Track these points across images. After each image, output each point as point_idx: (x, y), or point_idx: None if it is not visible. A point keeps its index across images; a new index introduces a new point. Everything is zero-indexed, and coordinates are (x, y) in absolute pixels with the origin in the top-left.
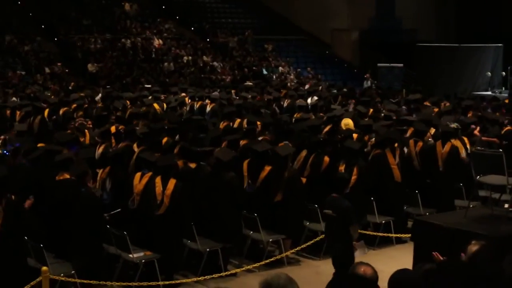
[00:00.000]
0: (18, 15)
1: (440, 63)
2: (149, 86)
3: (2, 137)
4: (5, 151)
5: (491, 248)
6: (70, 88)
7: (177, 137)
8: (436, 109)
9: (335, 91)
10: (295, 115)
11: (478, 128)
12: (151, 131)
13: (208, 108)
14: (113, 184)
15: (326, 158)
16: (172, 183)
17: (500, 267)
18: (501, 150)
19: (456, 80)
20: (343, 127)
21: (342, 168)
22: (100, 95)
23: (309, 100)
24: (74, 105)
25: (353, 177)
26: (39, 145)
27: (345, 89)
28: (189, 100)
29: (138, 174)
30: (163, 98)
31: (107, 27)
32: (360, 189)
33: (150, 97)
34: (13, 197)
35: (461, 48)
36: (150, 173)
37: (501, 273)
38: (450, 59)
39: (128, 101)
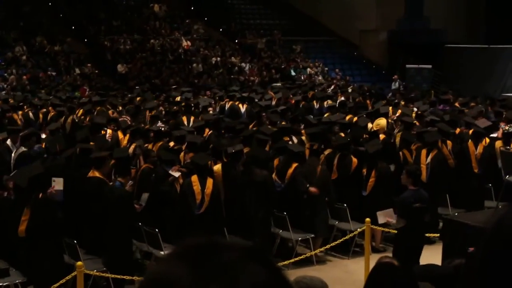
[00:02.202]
0: (49, 16)
1: (468, 64)
2: (175, 86)
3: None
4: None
5: None
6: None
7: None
8: (466, 110)
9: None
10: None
11: None
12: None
13: (243, 109)
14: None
15: (355, 160)
16: (210, 182)
17: None
18: None
19: (485, 81)
20: (374, 128)
21: (364, 170)
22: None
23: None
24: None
25: (371, 179)
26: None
27: (372, 90)
28: (219, 100)
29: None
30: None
31: (136, 28)
32: (380, 191)
33: (178, 98)
34: (40, 195)
35: (490, 49)
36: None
37: None
38: (479, 60)
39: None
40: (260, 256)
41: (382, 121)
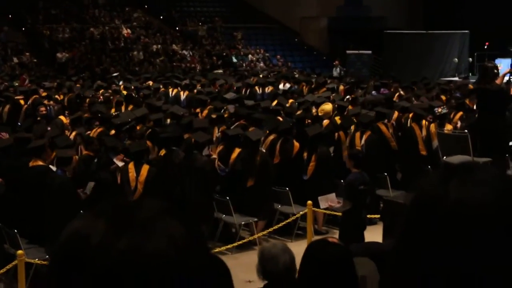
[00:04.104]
0: None
1: (407, 49)
2: (117, 74)
3: None
4: None
5: None
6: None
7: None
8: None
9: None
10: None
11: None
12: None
13: (183, 96)
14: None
15: (296, 144)
16: (145, 169)
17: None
18: (466, 131)
19: (423, 66)
20: (320, 113)
21: (305, 154)
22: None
23: (281, 86)
24: (44, 93)
25: (312, 163)
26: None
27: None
28: (162, 88)
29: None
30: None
31: (75, 16)
32: (320, 174)
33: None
34: None
35: (428, 35)
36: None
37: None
38: (417, 46)
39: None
40: (178, 213)
41: (327, 106)
